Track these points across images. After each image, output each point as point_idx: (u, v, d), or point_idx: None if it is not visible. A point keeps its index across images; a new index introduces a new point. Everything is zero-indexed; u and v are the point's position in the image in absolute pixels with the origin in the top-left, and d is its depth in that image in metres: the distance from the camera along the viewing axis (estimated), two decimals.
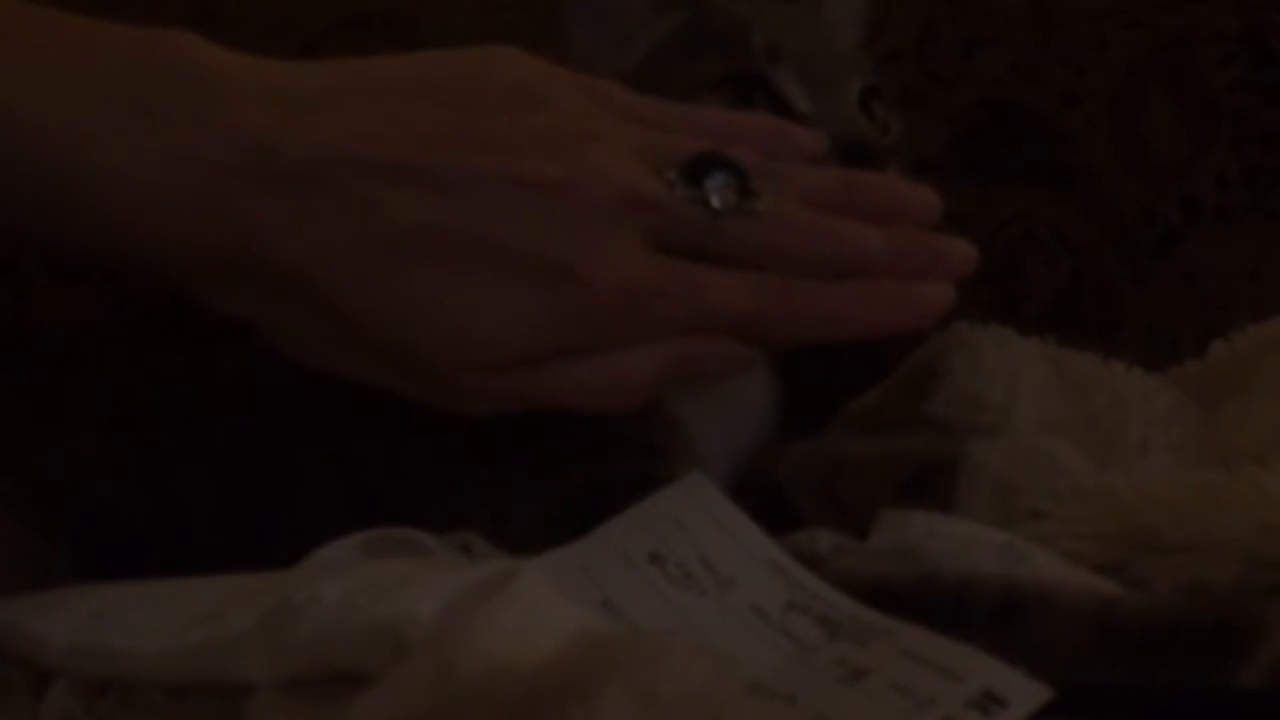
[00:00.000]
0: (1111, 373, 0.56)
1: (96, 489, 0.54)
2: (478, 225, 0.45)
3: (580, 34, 0.57)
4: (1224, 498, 0.44)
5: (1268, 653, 0.37)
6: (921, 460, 0.52)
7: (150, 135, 0.44)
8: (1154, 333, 0.75)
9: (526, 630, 0.32)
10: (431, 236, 0.45)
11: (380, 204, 0.45)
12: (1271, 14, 0.74)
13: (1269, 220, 0.75)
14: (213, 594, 0.37)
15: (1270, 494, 0.44)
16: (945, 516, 0.47)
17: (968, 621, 0.39)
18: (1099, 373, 0.56)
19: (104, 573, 0.43)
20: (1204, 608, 0.39)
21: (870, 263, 0.48)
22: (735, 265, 0.47)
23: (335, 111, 0.45)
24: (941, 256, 0.49)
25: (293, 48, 0.64)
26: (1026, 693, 0.34)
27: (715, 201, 0.47)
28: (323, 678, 0.34)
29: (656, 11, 0.56)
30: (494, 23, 0.75)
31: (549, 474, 0.51)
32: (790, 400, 0.61)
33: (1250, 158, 0.75)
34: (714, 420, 0.57)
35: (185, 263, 0.45)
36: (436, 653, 0.31)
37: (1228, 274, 0.75)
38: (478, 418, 0.48)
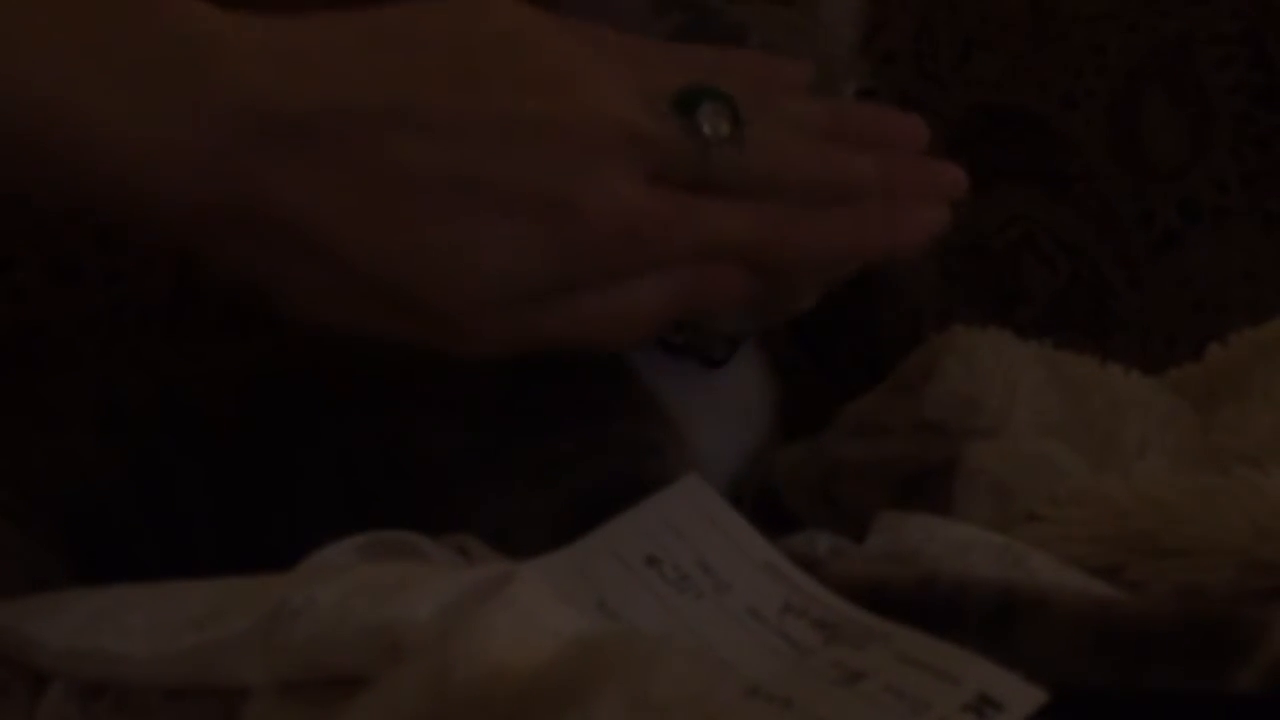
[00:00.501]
0: (1109, 376, 0.56)
1: (93, 491, 0.53)
2: (476, 166, 0.45)
3: None
4: (1221, 501, 0.44)
5: (1265, 656, 0.37)
6: (918, 463, 0.52)
7: (146, 95, 0.44)
8: (1151, 335, 0.75)
9: (523, 634, 0.32)
10: (430, 180, 0.45)
11: (378, 151, 0.45)
12: (1270, 17, 0.75)
13: (1267, 223, 0.75)
14: (209, 597, 0.37)
15: (1267, 497, 0.44)
16: (942, 519, 0.47)
17: (965, 624, 0.39)
18: (1096, 376, 0.56)
19: (101, 576, 0.43)
20: (1201, 611, 0.39)
21: (863, 188, 0.49)
22: (731, 196, 0.48)
23: (328, 63, 0.46)
24: (933, 179, 0.50)
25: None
26: (1023, 696, 0.34)
27: (707, 130, 0.47)
28: (319, 681, 0.34)
29: (654, 15, 0.56)
30: None
31: (547, 476, 0.51)
32: (787, 403, 0.61)
33: (1248, 160, 0.75)
34: (711, 422, 0.57)
35: (187, 222, 0.46)
36: (433, 656, 0.31)
37: (1225, 277, 0.75)
38: (485, 361, 0.49)
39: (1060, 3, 0.76)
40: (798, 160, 0.49)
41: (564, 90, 0.46)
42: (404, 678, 0.31)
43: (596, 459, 0.51)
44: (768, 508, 0.54)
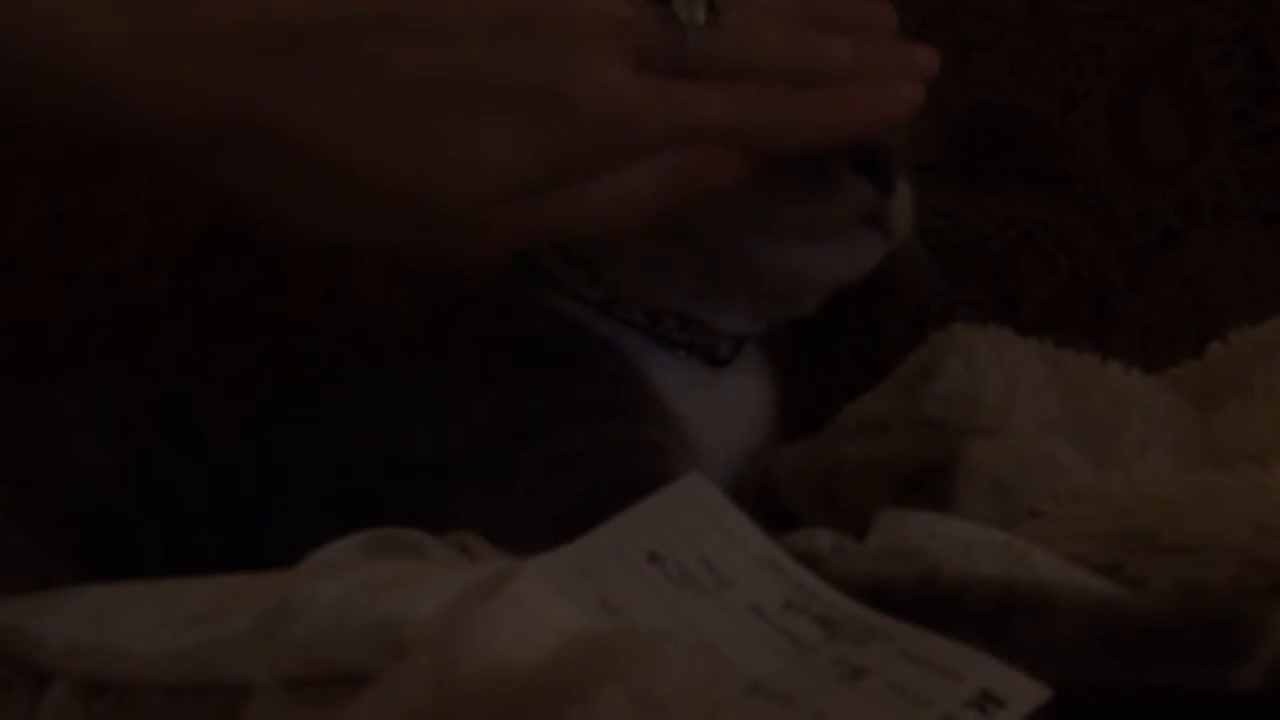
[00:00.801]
0: (1109, 374, 0.56)
1: (94, 490, 0.53)
2: (467, 65, 0.46)
3: None
4: (1222, 498, 0.44)
5: (1265, 653, 0.37)
6: (919, 460, 0.52)
7: (144, 12, 0.45)
8: (1151, 334, 0.75)
9: (525, 630, 0.32)
10: (423, 83, 0.46)
11: (370, 56, 0.46)
12: (1268, 16, 0.74)
13: (1266, 222, 0.75)
14: (211, 594, 0.37)
15: (1268, 494, 0.44)
16: (944, 517, 0.47)
17: (966, 621, 0.39)
18: (1097, 373, 0.56)
19: (102, 574, 0.43)
20: (1202, 608, 0.39)
21: (839, 69, 0.50)
22: (711, 82, 0.48)
23: None
24: (905, 58, 0.51)
25: None
26: (1025, 693, 0.34)
27: (684, 17, 0.48)
28: (321, 678, 0.34)
29: None
30: None
31: (549, 474, 0.51)
32: (788, 402, 0.61)
33: (1247, 159, 0.75)
34: (714, 422, 0.57)
35: (189, 138, 0.46)
36: (435, 653, 0.31)
37: (1225, 276, 0.75)
38: (489, 261, 0.49)
39: (1059, 3, 0.76)
40: (774, 45, 0.50)
41: None
42: (407, 674, 0.31)
43: (599, 458, 0.51)
44: (768, 506, 0.55)
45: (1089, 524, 0.45)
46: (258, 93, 0.45)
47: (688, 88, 0.48)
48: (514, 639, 0.32)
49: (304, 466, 0.54)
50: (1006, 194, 0.76)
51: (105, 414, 0.56)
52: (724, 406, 0.58)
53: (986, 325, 0.58)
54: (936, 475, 0.51)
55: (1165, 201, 0.75)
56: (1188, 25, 0.75)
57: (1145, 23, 0.76)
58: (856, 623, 0.39)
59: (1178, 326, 0.74)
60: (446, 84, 0.46)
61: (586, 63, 0.47)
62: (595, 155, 0.47)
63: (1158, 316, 0.75)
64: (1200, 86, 0.75)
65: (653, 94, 0.47)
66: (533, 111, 0.46)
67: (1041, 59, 0.76)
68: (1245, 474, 0.45)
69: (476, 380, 0.54)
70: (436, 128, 0.46)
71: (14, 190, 0.74)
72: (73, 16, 0.44)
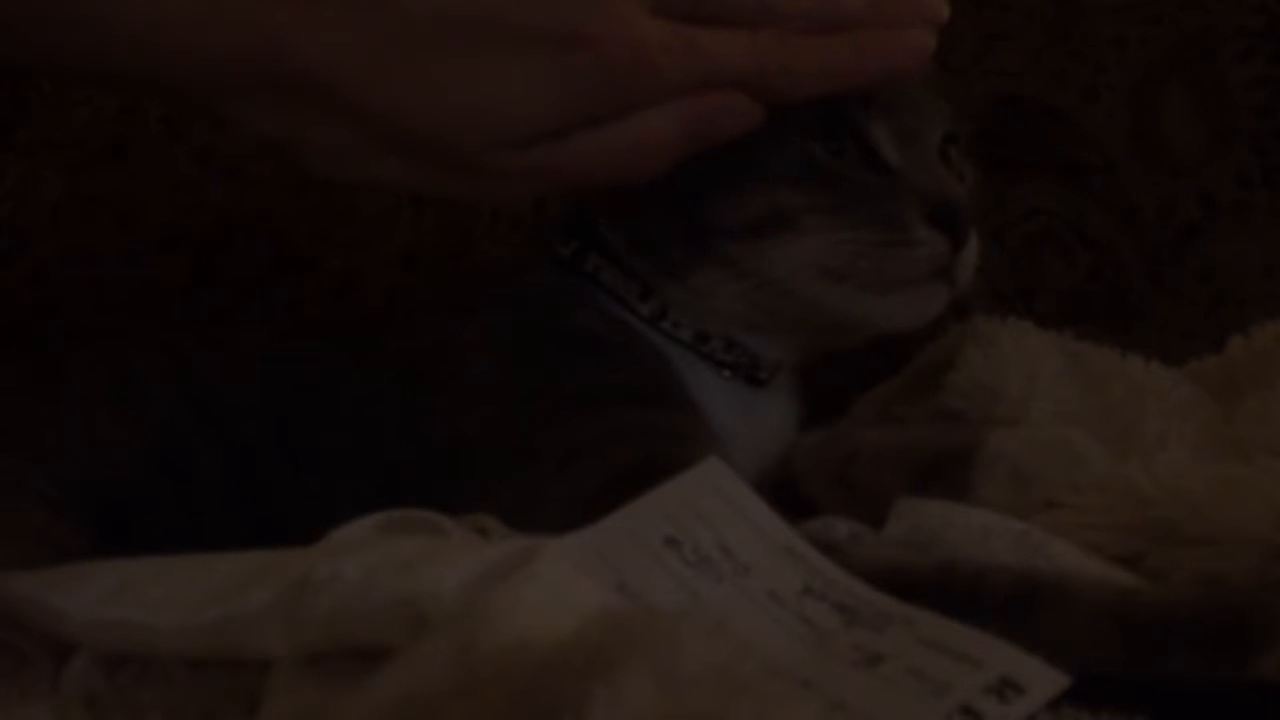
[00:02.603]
0: (1129, 366, 0.56)
1: (116, 468, 0.54)
2: (487, 7, 0.47)
3: None
4: (1242, 490, 0.44)
5: None
6: (938, 449, 0.52)
7: None
8: (1170, 328, 0.75)
9: (547, 607, 0.32)
10: (442, 23, 0.46)
11: (391, 1, 0.46)
12: None
13: None
14: (232, 569, 0.38)
15: None
16: (963, 506, 0.47)
17: (984, 610, 0.39)
18: (1116, 366, 0.56)
19: (124, 550, 0.43)
20: (1221, 600, 0.39)
21: (852, 16, 0.51)
22: (727, 29, 0.49)
23: None
24: (915, 7, 0.52)
25: None
26: (1045, 680, 0.34)
27: None
28: (343, 653, 0.34)
29: None
30: None
31: (578, 455, 0.51)
32: (807, 392, 0.61)
33: (1269, 155, 0.75)
34: (745, 438, 0.57)
35: (212, 78, 0.47)
36: (457, 629, 0.31)
37: (1245, 270, 0.74)
38: (509, 206, 0.50)
39: None
40: None
41: None
42: (429, 650, 0.31)
43: (629, 442, 0.51)
44: (786, 494, 0.54)
45: (1108, 514, 0.45)
46: (279, 33, 0.46)
47: (706, 33, 0.48)
48: (535, 616, 0.32)
49: (326, 445, 0.54)
50: (1027, 186, 0.75)
51: (127, 391, 0.56)
52: (756, 424, 0.58)
53: (1006, 317, 0.58)
54: (955, 464, 0.51)
55: (1186, 195, 0.75)
56: (1211, 20, 0.75)
57: (1169, 16, 0.75)
58: (874, 609, 0.39)
59: (1197, 320, 0.74)
60: (468, 25, 0.46)
61: (606, 8, 0.47)
62: (615, 100, 0.48)
63: (1177, 310, 0.75)
64: (1222, 81, 0.75)
65: (672, 39, 0.48)
66: (553, 54, 0.47)
67: (1063, 51, 0.76)
68: (1267, 466, 0.45)
69: (509, 363, 0.54)
70: (457, 69, 0.46)
71: (34, 171, 0.74)
72: None
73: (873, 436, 0.55)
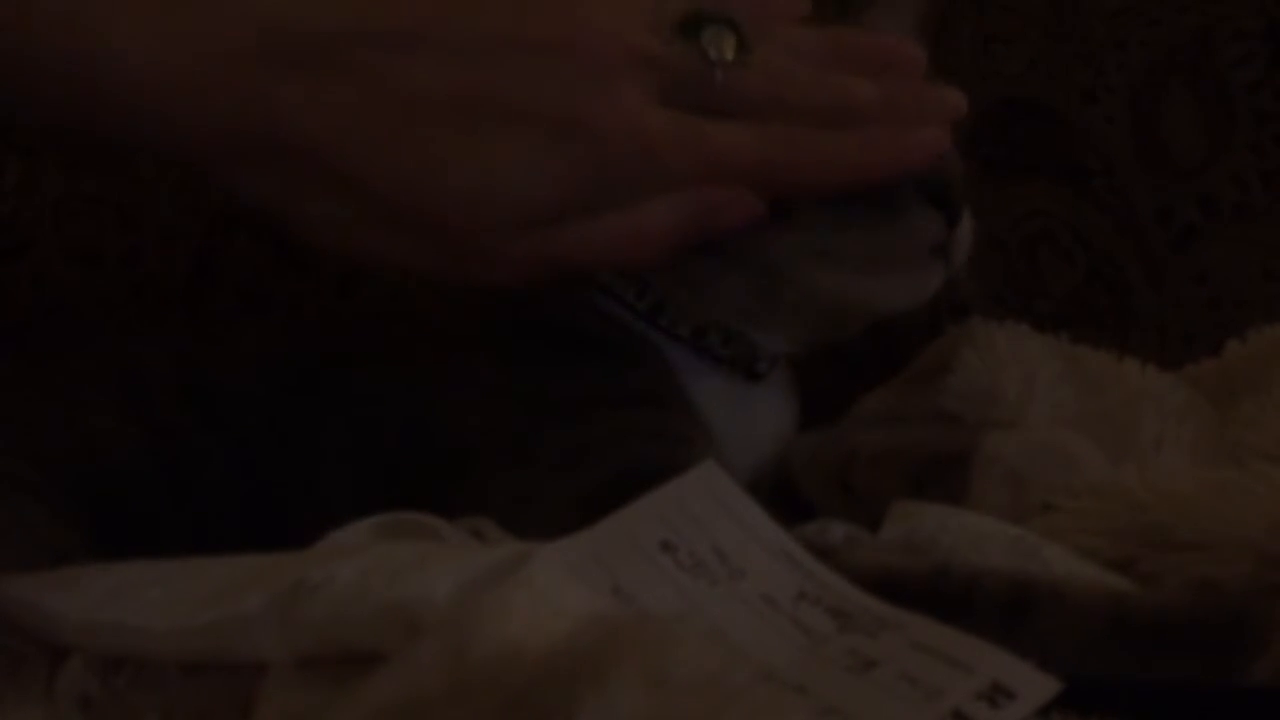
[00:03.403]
0: (1126, 370, 0.56)
1: (114, 467, 0.54)
2: (487, 87, 0.46)
3: None
4: (1236, 495, 0.44)
5: (1277, 650, 0.37)
6: (934, 451, 0.52)
7: (166, 21, 0.45)
8: (1169, 331, 0.75)
9: (539, 613, 0.32)
10: (443, 101, 0.46)
11: (390, 73, 0.46)
12: None
13: None
14: (227, 573, 0.38)
15: None
16: (958, 510, 0.47)
17: (978, 615, 0.39)
18: (1113, 369, 0.56)
19: (122, 551, 0.44)
20: (1214, 604, 0.39)
21: (865, 111, 0.50)
22: (736, 120, 0.48)
23: None
24: (932, 102, 0.51)
25: None
26: (1036, 685, 0.34)
27: (713, 54, 0.48)
28: (336, 657, 0.34)
29: None
30: None
31: (577, 456, 0.51)
32: (805, 393, 0.61)
33: (1269, 157, 0.75)
34: (741, 434, 0.57)
35: (206, 148, 0.46)
36: (449, 634, 0.32)
37: (1244, 273, 0.74)
38: (504, 283, 0.49)
39: None
40: (801, 84, 0.49)
41: (573, 13, 0.47)
42: (421, 655, 0.32)
43: (626, 445, 0.51)
44: (784, 495, 0.55)
45: (1103, 519, 0.45)
46: (278, 104, 0.45)
47: (712, 125, 0.48)
48: (528, 622, 0.32)
49: (326, 444, 0.54)
50: (1026, 189, 0.75)
51: (127, 391, 0.56)
52: (753, 420, 0.58)
53: (1004, 320, 0.58)
54: (952, 466, 0.51)
55: (1185, 198, 0.75)
56: (1211, 23, 0.75)
57: (1168, 19, 0.75)
58: (868, 614, 0.39)
59: (1195, 323, 0.74)
60: (467, 104, 0.46)
61: (612, 95, 0.46)
62: (615, 188, 0.47)
63: (1175, 313, 0.75)
64: (1222, 84, 0.75)
65: (677, 130, 0.47)
66: (554, 140, 0.46)
67: (1063, 54, 0.76)
68: (1261, 471, 0.46)
69: (508, 363, 0.54)
70: (455, 149, 0.46)
71: (34, 170, 0.74)
72: (92, 17, 0.44)
73: (870, 438, 0.55)
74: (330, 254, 0.50)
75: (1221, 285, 0.75)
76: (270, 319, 0.66)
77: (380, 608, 0.34)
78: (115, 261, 0.75)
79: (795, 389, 0.60)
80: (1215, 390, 0.56)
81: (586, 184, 0.47)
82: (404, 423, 0.54)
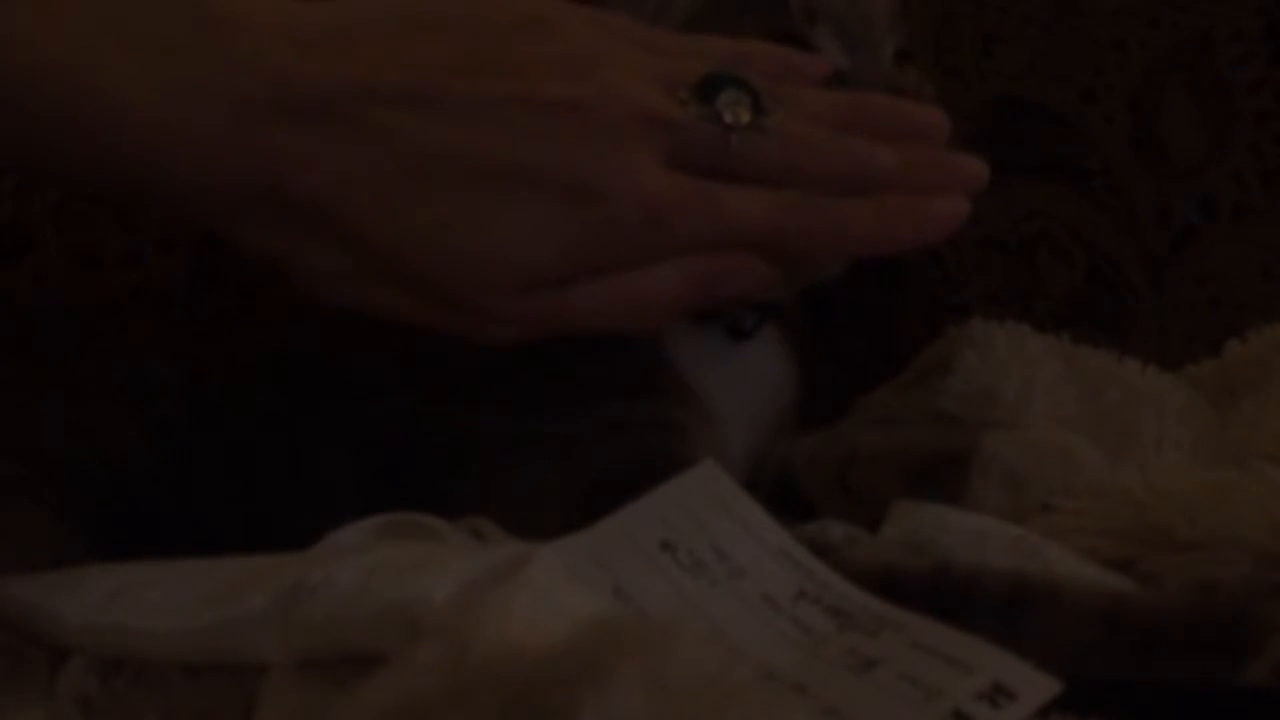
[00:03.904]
0: (1126, 370, 0.56)
1: (115, 469, 0.54)
2: (496, 149, 0.46)
3: None
4: (1236, 496, 0.44)
5: (1275, 650, 0.37)
6: (934, 451, 0.52)
7: (170, 73, 0.44)
8: (1169, 331, 0.75)
9: (539, 615, 0.32)
10: (450, 162, 0.45)
11: (398, 132, 0.45)
12: None
13: None
14: (227, 574, 0.38)
15: None
16: (958, 510, 0.47)
17: (978, 614, 0.39)
18: (1113, 370, 0.56)
19: (122, 552, 0.44)
20: (1214, 605, 0.39)
21: (882, 178, 0.49)
22: (750, 184, 0.48)
23: (349, 45, 0.46)
24: (952, 171, 0.50)
25: None
26: (1036, 685, 0.34)
27: (728, 118, 0.47)
28: (336, 658, 0.34)
29: None
30: None
31: (573, 453, 0.51)
32: (806, 394, 0.61)
33: (1268, 157, 0.75)
34: (736, 393, 0.57)
35: (210, 200, 0.46)
36: (450, 635, 0.32)
37: (1244, 273, 0.74)
38: (501, 350, 0.49)
39: None
40: (817, 150, 0.49)
41: (587, 75, 0.47)
42: (421, 656, 0.32)
43: (621, 438, 0.51)
44: (785, 494, 0.55)
45: (1103, 519, 0.46)
46: (282, 158, 0.45)
47: (725, 191, 0.47)
48: (528, 623, 0.32)
49: (327, 445, 0.54)
50: (1025, 188, 0.75)
51: (128, 392, 0.56)
52: (745, 379, 0.58)
53: (1003, 320, 0.58)
54: (952, 465, 0.51)
55: (1185, 198, 0.75)
56: (1210, 23, 0.75)
57: (1168, 19, 0.75)
58: (868, 614, 0.39)
59: (1195, 323, 0.74)
60: (475, 165, 0.45)
61: (623, 159, 0.46)
62: (623, 253, 0.47)
63: (1176, 313, 0.75)
64: (1222, 84, 0.75)
65: (688, 196, 0.47)
66: (562, 203, 0.45)
67: (1063, 54, 0.76)
68: (1261, 472, 0.45)
69: (503, 359, 0.54)
70: (463, 208, 0.45)
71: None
72: (96, 63, 0.44)
73: (870, 438, 0.55)
74: (333, 303, 0.49)
75: (1221, 285, 0.75)
76: (270, 320, 0.66)
77: (380, 609, 0.34)
78: (115, 263, 0.75)
79: (790, 347, 0.60)
80: (1215, 391, 0.56)
81: (591, 250, 0.46)
82: (402, 421, 0.54)
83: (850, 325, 0.71)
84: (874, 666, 0.36)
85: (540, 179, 0.46)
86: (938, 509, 0.47)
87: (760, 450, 0.57)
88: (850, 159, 0.49)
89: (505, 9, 0.48)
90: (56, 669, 0.38)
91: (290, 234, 0.46)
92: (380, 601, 0.34)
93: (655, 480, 0.44)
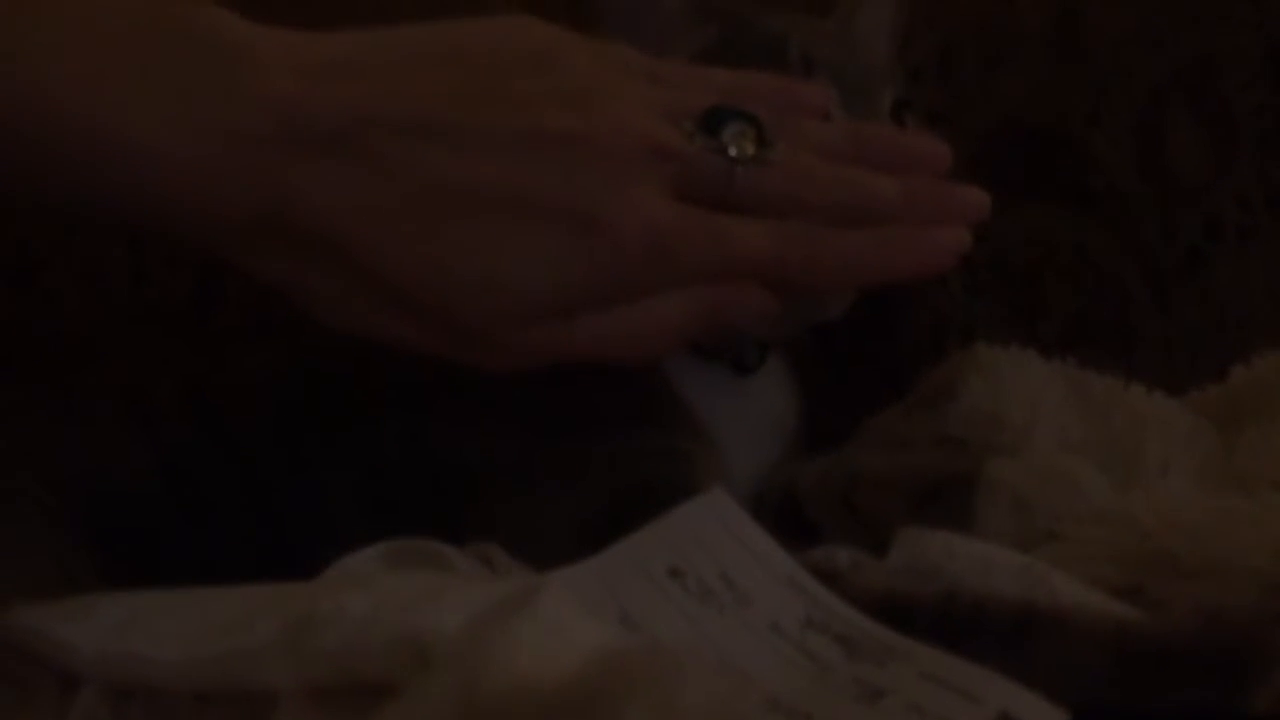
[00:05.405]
0: (1131, 395, 0.56)
1: (123, 490, 0.54)
2: (503, 180, 0.46)
3: None
4: (1242, 523, 0.44)
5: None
6: (939, 474, 0.53)
7: (180, 105, 0.45)
8: (1174, 354, 0.75)
9: (550, 646, 0.32)
10: (458, 193, 0.46)
11: (406, 163, 0.45)
12: None
13: None
14: (239, 603, 0.38)
15: None
16: (964, 537, 0.47)
17: (984, 641, 0.39)
18: (1118, 395, 0.56)
19: (130, 573, 0.44)
20: (1220, 632, 0.39)
21: (885, 209, 0.49)
22: (754, 216, 0.48)
23: (358, 76, 0.46)
24: (953, 202, 0.50)
25: None
26: (1043, 715, 0.34)
27: (733, 150, 0.48)
28: (347, 688, 0.35)
29: (694, 25, 0.57)
30: None
31: (579, 480, 0.51)
32: (810, 416, 0.61)
33: (1273, 179, 0.75)
34: (740, 428, 0.57)
35: (219, 230, 0.46)
36: (460, 667, 0.32)
37: (1249, 295, 0.74)
38: (508, 377, 0.49)
39: (1085, 21, 0.76)
40: (820, 181, 0.49)
41: (592, 107, 0.47)
42: (432, 687, 0.32)
43: (628, 465, 0.51)
44: (789, 518, 0.55)
45: (1109, 546, 0.46)
46: (290, 189, 0.45)
47: (729, 222, 0.47)
48: (538, 655, 0.32)
49: (334, 468, 0.54)
50: (1030, 211, 0.76)
51: (136, 413, 0.56)
52: (750, 413, 0.58)
53: (1008, 342, 0.59)
54: (956, 489, 0.51)
55: (1190, 221, 0.75)
56: (1214, 46, 0.75)
57: (1172, 43, 0.76)
58: (876, 642, 0.39)
59: (1201, 346, 0.74)
60: (481, 196, 0.46)
61: (628, 189, 0.46)
62: (628, 284, 0.47)
63: (1181, 336, 0.75)
64: (1226, 106, 0.75)
65: (693, 228, 0.47)
66: (567, 234, 0.46)
67: (1067, 77, 0.76)
68: (1267, 499, 0.46)
69: (508, 385, 0.54)
70: (467, 240, 0.46)
71: None
72: (101, 100, 0.44)
73: (874, 462, 0.56)
74: (339, 330, 0.49)
75: (1227, 307, 0.75)
76: (276, 340, 0.67)
77: (391, 639, 0.34)
78: (121, 282, 0.75)
79: (793, 381, 0.60)
80: (1221, 416, 0.56)
81: (599, 279, 0.47)
82: (410, 446, 0.54)
83: (855, 348, 0.71)
84: (882, 696, 0.36)
85: (545, 210, 0.46)
86: (944, 535, 0.47)
87: (765, 478, 0.57)
88: (853, 190, 0.49)
89: (511, 41, 0.49)
90: (67, 697, 0.38)
91: (297, 263, 0.47)
92: (391, 632, 0.34)
93: (663, 507, 0.44)
